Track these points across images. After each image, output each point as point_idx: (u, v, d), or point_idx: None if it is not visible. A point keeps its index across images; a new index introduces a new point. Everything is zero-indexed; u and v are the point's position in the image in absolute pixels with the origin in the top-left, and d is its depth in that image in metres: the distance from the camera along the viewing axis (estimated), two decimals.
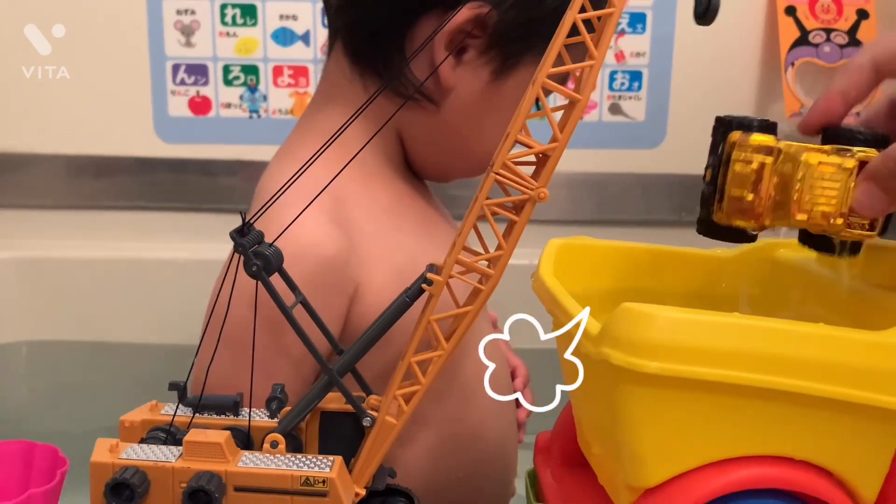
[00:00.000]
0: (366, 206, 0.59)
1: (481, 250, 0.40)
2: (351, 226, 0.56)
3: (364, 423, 0.43)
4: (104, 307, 1.10)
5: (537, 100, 0.37)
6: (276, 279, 0.42)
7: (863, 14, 1.13)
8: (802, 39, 1.12)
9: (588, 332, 0.36)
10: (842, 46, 1.12)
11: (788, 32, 1.12)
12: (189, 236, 1.13)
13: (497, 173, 0.39)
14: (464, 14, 0.54)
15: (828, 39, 1.12)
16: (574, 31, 0.37)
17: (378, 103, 0.48)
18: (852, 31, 1.13)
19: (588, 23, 0.37)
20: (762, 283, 0.49)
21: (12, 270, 1.09)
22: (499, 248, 0.40)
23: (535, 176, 0.39)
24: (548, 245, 0.46)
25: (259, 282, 0.41)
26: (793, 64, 1.12)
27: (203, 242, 1.07)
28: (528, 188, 0.39)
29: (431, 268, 0.42)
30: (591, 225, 1.18)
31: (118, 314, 1.10)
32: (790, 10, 1.12)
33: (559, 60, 0.37)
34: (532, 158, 0.39)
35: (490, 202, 0.39)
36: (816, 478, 0.36)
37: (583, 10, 0.37)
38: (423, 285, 0.41)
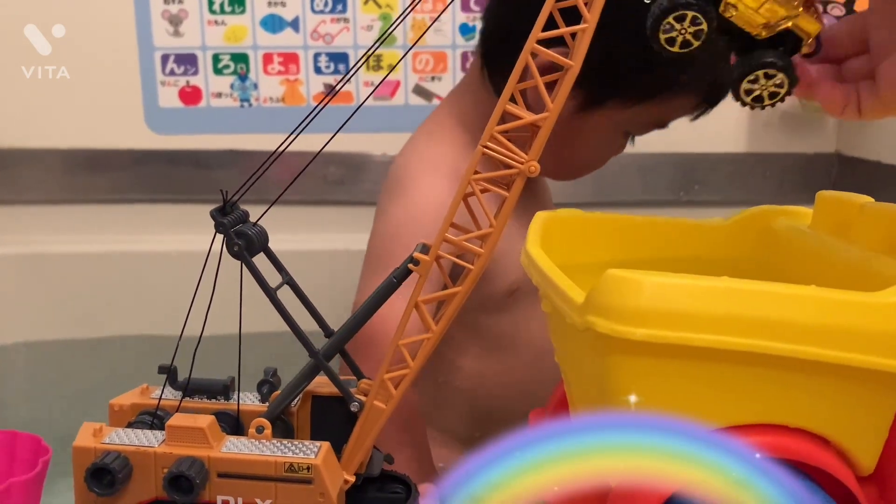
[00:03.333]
0: None
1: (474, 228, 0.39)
2: None
3: (352, 409, 0.42)
4: (99, 301, 1.09)
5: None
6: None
7: None
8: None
9: (573, 301, 0.35)
10: (839, 18, 1.11)
11: None
12: (184, 228, 1.12)
13: (485, 146, 0.38)
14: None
15: (825, 11, 1.11)
16: None
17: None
18: (850, 2, 1.11)
19: None
20: (758, 250, 0.48)
21: (7, 266, 1.09)
22: (490, 225, 0.39)
23: (525, 149, 0.38)
24: (534, 218, 0.45)
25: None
26: None
27: (198, 234, 1.06)
28: (518, 161, 0.38)
29: (422, 247, 0.41)
30: (589, 207, 1.17)
31: (114, 307, 1.09)
32: None
33: (552, 24, 0.36)
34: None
35: (478, 177, 0.38)
36: (812, 446, 0.36)
37: None
38: (410, 265, 0.40)
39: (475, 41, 1.09)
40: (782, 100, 0.40)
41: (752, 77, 0.40)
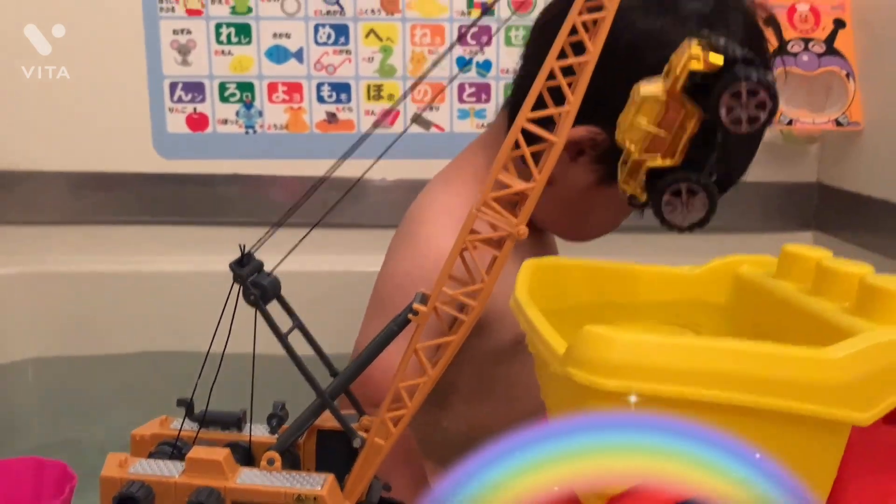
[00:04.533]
0: None
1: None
2: None
3: (354, 445, 0.46)
4: (107, 320, 1.13)
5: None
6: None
7: (840, 24, 1.16)
8: (781, 49, 1.15)
9: (555, 351, 0.39)
10: (819, 55, 1.16)
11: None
12: (190, 248, 1.16)
13: (479, 210, 0.42)
14: (580, 131, 0.66)
15: (806, 48, 1.16)
16: (551, 75, 0.40)
17: None
18: (829, 41, 1.16)
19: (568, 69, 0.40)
20: (727, 296, 0.53)
21: (16, 285, 1.12)
22: (482, 281, 0.43)
23: (515, 213, 0.42)
24: (522, 266, 0.49)
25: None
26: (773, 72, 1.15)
27: (204, 255, 1.11)
28: (507, 225, 0.42)
29: (420, 297, 0.45)
30: None
31: (122, 326, 1.13)
32: (768, 21, 1.15)
33: (541, 104, 0.40)
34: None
35: (473, 237, 0.43)
36: None
37: (563, 54, 0.40)
38: (410, 315, 0.44)
39: (469, 73, 1.14)
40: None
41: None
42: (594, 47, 0.39)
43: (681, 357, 0.37)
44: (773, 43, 1.14)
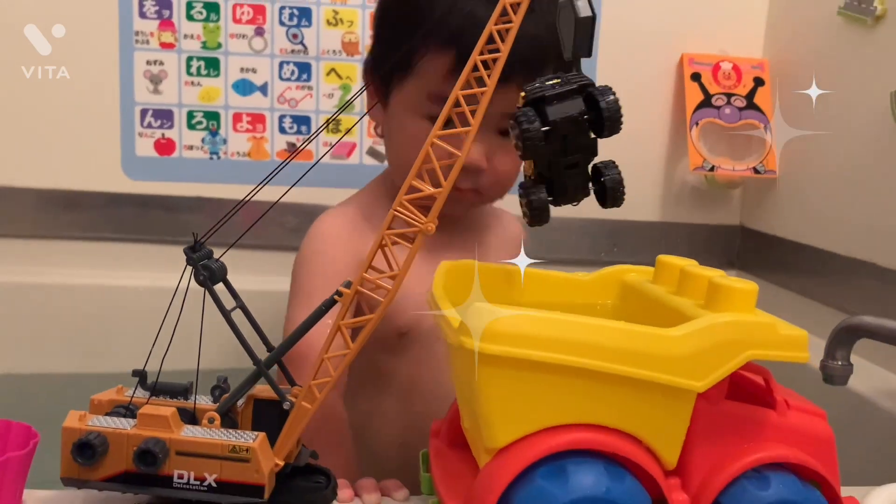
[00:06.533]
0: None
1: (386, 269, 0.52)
2: (359, 225, 0.83)
3: (284, 406, 0.53)
4: (70, 334, 1.19)
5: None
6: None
7: (759, 81, 1.28)
8: (706, 102, 1.27)
9: (452, 325, 0.47)
10: (740, 109, 1.27)
11: (694, 96, 1.27)
12: (153, 266, 1.23)
13: (396, 210, 0.50)
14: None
15: (728, 102, 1.28)
16: (457, 103, 0.49)
17: None
18: (750, 96, 1.28)
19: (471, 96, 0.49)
20: (614, 298, 0.62)
21: None
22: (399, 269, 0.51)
23: (426, 213, 0.51)
24: (439, 267, 0.58)
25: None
26: (697, 123, 1.26)
27: (165, 272, 1.17)
28: (419, 222, 0.50)
29: (346, 283, 0.53)
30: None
31: (83, 339, 1.19)
32: (695, 77, 1.28)
33: (450, 124, 0.49)
34: None
35: (390, 232, 0.51)
36: (626, 443, 0.48)
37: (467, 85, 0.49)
38: (335, 296, 0.53)
39: None
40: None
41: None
42: (491, 82, 0.49)
43: (551, 329, 0.46)
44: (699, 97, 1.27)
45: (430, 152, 0.49)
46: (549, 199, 0.53)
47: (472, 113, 0.49)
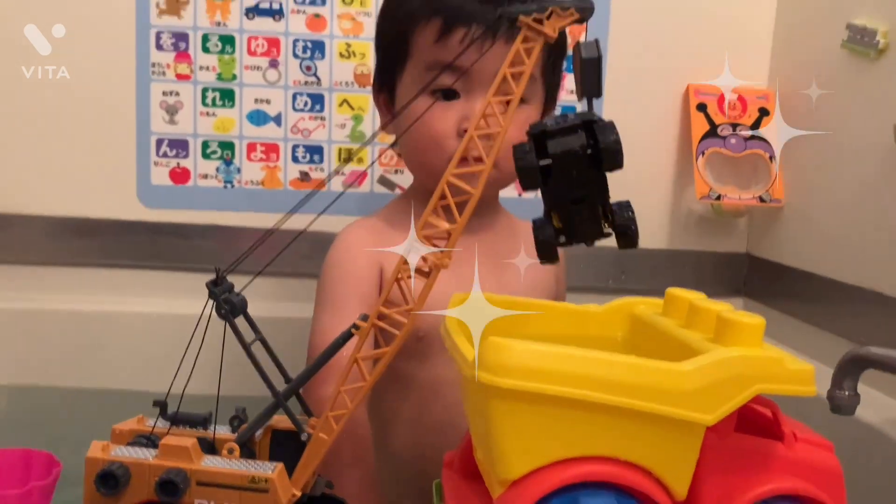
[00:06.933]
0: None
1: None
2: (384, 235, 0.86)
3: (302, 438, 0.55)
4: (83, 356, 1.20)
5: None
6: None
7: (764, 111, 1.30)
8: (712, 132, 1.29)
9: (466, 358, 0.48)
10: (746, 139, 1.29)
11: (699, 126, 1.29)
12: (167, 293, 1.25)
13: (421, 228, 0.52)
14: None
15: (734, 132, 1.29)
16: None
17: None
18: (755, 126, 1.30)
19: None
20: (624, 330, 0.63)
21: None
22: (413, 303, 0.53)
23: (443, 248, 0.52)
24: (452, 298, 0.59)
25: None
26: (703, 153, 1.28)
27: (179, 299, 1.20)
28: (434, 258, 0.52)
29: (363, 316, 0.54)
30: None
31: (96, 362, 1.20)
32: (701, 107, 1.30)
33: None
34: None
35: (406, 266, 0.53)
36: (638, 475, 0.49)
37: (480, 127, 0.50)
38: (352, 329, 0.54)
39: None
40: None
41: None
42: (505, 122, 0.50)
43: (564, 363, 0.47)
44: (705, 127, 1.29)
45: (447, 190, 0.51)
46: (562, 237, 0.53)
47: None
